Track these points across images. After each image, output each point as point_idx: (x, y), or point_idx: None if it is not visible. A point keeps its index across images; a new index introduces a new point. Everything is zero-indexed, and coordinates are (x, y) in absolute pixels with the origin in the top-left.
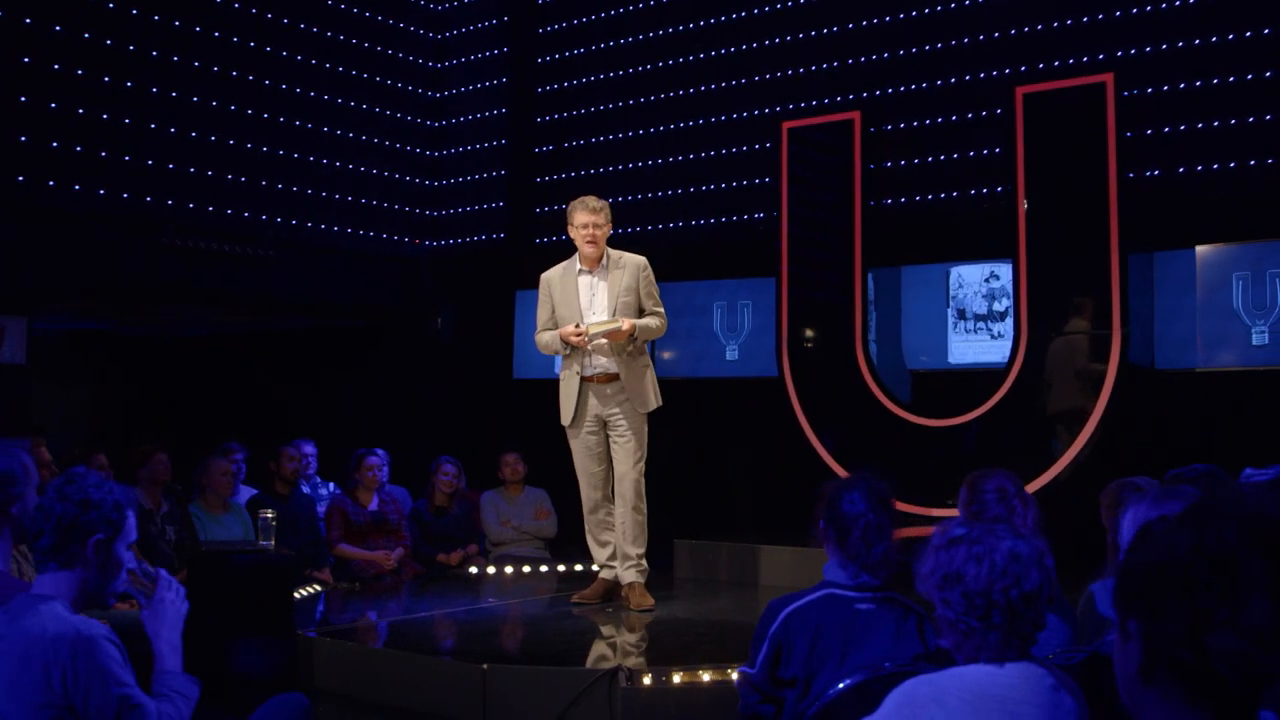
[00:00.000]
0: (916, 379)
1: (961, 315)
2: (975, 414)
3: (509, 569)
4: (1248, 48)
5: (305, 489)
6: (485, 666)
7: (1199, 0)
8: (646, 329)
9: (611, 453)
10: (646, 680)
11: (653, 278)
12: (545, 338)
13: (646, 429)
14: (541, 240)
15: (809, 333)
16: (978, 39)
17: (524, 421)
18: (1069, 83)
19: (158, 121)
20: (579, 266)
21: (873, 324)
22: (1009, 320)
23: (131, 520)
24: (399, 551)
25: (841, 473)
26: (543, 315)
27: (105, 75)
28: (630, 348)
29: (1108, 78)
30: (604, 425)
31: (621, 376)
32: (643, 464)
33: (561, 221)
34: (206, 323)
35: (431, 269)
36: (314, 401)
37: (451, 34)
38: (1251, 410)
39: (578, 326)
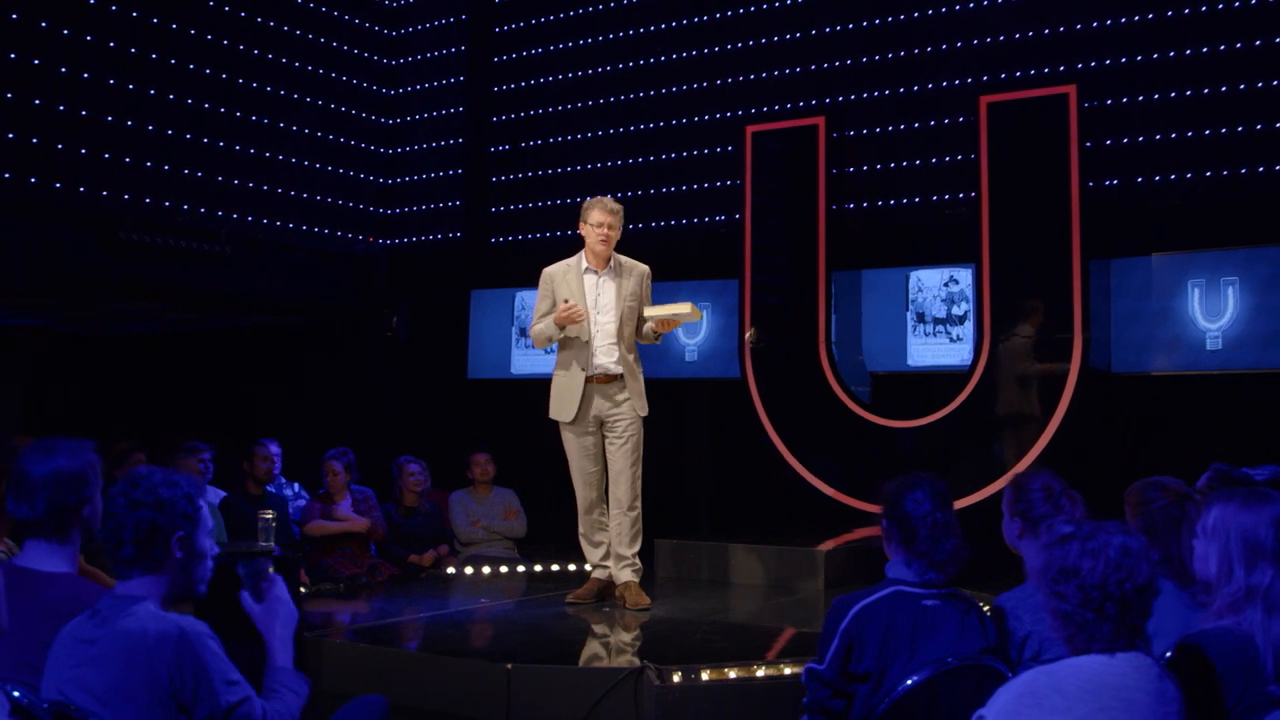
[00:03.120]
0: (876, 381)
1: (921, 318)
2: (940, 414)
3: (486, 569)
4: (1206, 63)
5: (270, 489)
6: (509, 666)
7: (1158, 16)
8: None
9: (607, 454)
10: (676, 678)
11: (650, 287)
12: (540, 327)
13: (643, 431)
14: (497, 240)
15: (771, 335)
16: (940, 48)
17: (479, 421)
18: (1032, 93)
19: (114, 115)
20: (585, 265)
21: (833, 326)
22: (968, 324)
23: (205, 508)
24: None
25: (804, 473)
26: (541, 309)
27: (62, 67)
28: (654, 338)
29: (1070, 89)
30: (601, 425)
31: (625, 377)
32: (639, 466)
33: (517, 221)
34: (155, 319)
35: (387, 267)
36: (267, 401)
37: (408, 30)
38: (1206, 413)
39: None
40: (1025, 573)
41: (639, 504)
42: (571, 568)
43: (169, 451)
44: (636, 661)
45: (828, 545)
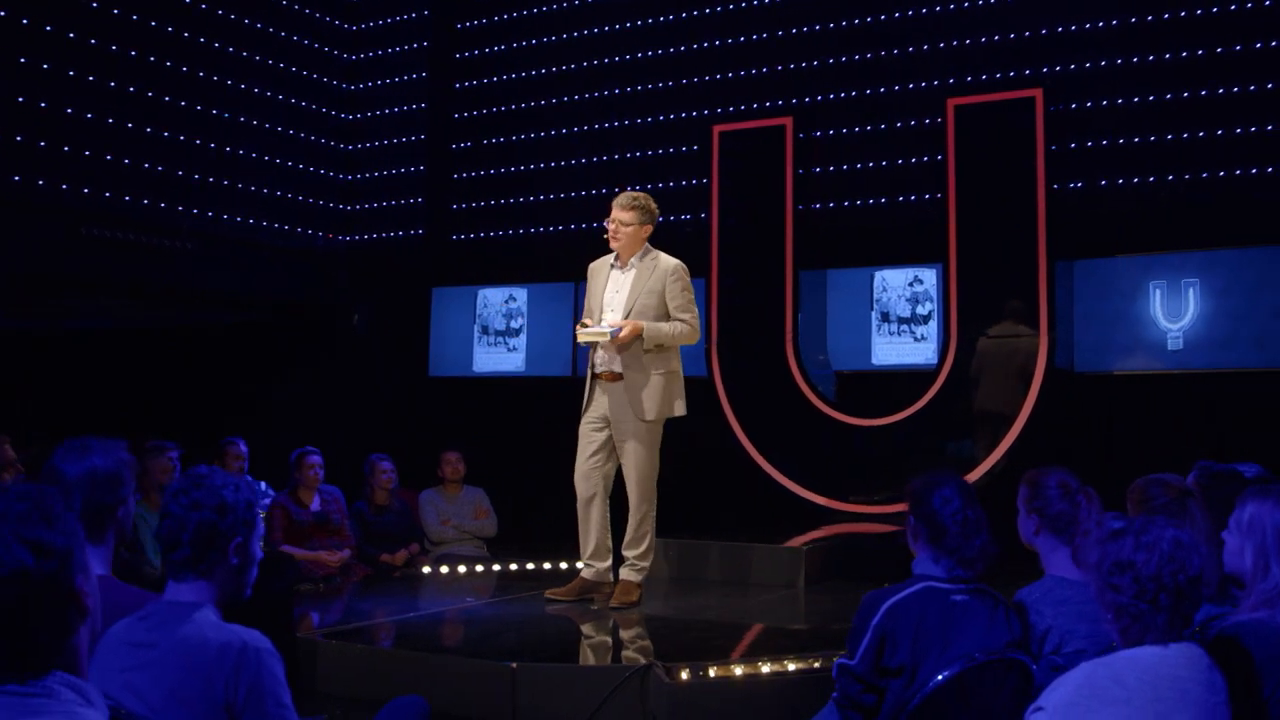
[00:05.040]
0: (841, 379)
1: (885, 318)
2: (909, 412)
3: (461, 568)
4: (1168, 68)
5: None
6: (514, 665)
7: (1122, 22)
8: (657, 333)
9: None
10: (685, 675)
11: (686, 283)
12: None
13: (655, 435)
14: (459, 237)
15: (738, 334)
16: (908, 50)
17: (441, 420)
18: (999, 96)
19: (75, 108)
20: (614, 260)
21: (800, 326)
22: (932, 323)
23: (260, 513)
24: (345, 552)
25: (772, 471)
26: (586, 304)
27: (21, 57)
28: (648, 349)
29: (1037, 92)
30: (608, 423)
31: (625, 378)
32: (644, 468)
33: (479, 218)
34: (114, 316)
35: (348, 264)
36: (227, 398)
37: (370, 25)
38: (1168, 411)
39: (584, 325)
40: (1042, 568)
41: (646, 507)
42: (547, 566)
43: (134, 451)
44: (639, 659)
45: (796, 542)
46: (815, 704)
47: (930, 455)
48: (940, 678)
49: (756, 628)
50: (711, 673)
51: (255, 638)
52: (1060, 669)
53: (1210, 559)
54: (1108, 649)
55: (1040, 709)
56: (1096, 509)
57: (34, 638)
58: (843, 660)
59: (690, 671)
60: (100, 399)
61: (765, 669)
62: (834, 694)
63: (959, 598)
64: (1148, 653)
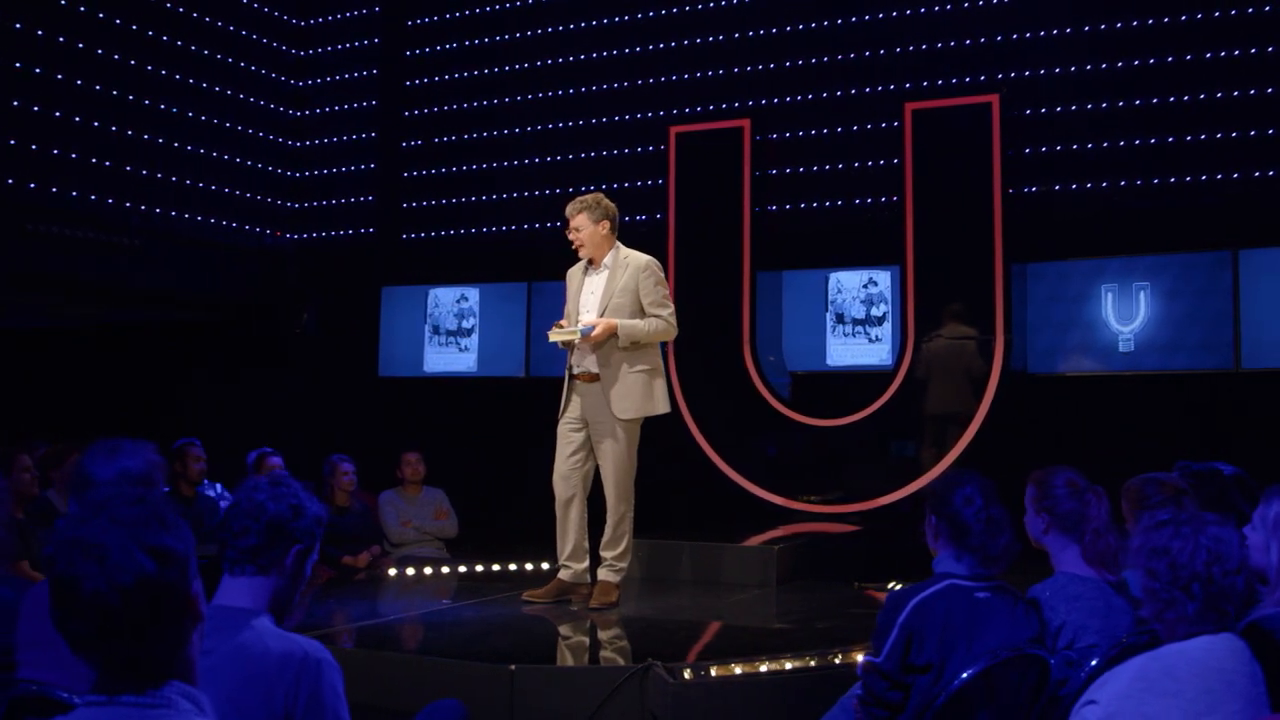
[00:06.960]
0: (795, 380)
1: (840, 319)
2: (868, 411)
3: (427, 570)
4: (1122, 76)
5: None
6: (513, 667)
7: (1075, 30)
8: (632, 330)
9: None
10: (687, 675)
11: (659, 278)
12: None
13: (633, 435)
14: (409, 236)
15: (695, 335)
16: (865, 55)
17: (390, 420)
18: (957, 101)
19: (21, 100)
20: (588, 262)
21: (757, 327)
22: (886, 325)
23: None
24: None
25: (728, 471)
26: (565, 309)
27: None
28: (624, 346)
29: (993, 98)
30: (586, 424)
31: (601, 377)
32: (623, 469)
33: (430, 217)
34: (57, 314)
35: (297, 263)
36: (175, 398)
37: (320, 21)
38: (1118, 412)
39: (559, 326)
40: (1053, 566)
41: (624, 507)
42: (513, 567)
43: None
44: (633, 660)
45: (755, 541)
46: (815, 702)
47: (885, 456)
48: (967, 674)
49: (742, 627)
50: (713, 672)
51: (316, 648)
52: (1074, 664)
53: None
54: (1119, 644)
55: (1092, 702)
56: (1105, 507)
57: (153, 647)
58: (868, 658)
59: (692, 671)
60: (45, 400)
61: (764, 668)
62: (855, 689)
63: (982, 595)
64: (1195, 645)
